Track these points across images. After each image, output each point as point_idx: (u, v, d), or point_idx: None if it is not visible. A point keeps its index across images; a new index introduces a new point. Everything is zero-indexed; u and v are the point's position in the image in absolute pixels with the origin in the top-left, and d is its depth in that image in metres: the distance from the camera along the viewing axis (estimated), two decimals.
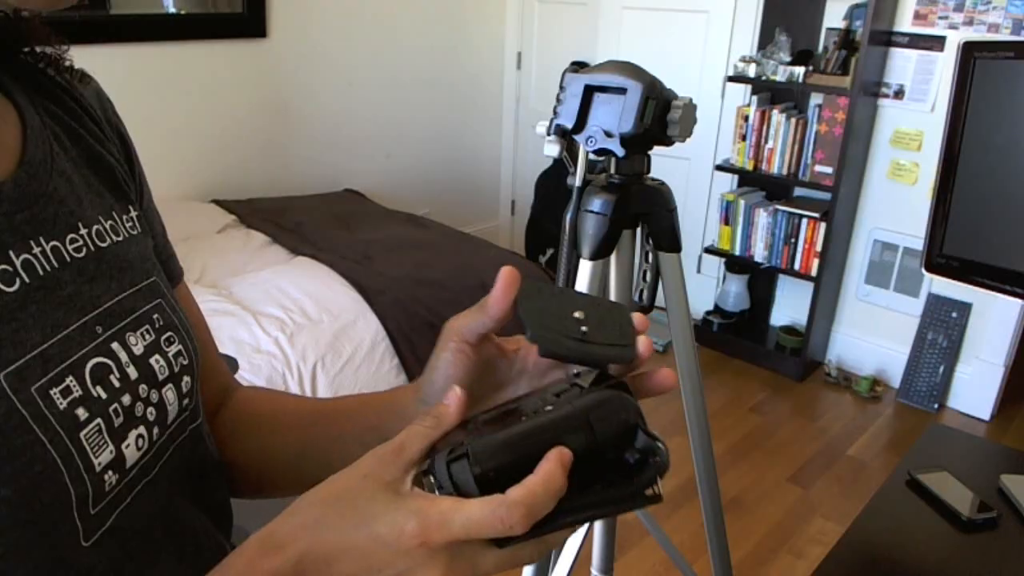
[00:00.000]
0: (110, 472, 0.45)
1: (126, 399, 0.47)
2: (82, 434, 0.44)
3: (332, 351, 2.07)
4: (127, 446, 0.47)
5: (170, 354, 0.52)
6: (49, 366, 0.43)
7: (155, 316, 0.52)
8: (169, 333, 0.53)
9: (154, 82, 2.82)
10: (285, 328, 2.07)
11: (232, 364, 1.57)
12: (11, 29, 0.50)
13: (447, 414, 0.44)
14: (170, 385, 0.52)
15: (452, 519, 0.38)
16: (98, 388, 0.46)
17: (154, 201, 0.62)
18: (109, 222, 0.52)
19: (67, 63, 0.54)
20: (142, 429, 0.48)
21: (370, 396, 0.61)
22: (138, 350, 0.49)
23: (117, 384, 0.47)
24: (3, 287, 0.42)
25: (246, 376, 1.88)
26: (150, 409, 0.49)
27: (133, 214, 0.55)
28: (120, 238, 0.52)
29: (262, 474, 0.64)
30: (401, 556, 0.39)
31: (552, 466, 0.39)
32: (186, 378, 0.53)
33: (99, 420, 0.45)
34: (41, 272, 0.45)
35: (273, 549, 0.41)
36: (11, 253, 0.43)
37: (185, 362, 0.54)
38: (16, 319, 0.43)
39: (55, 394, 0.43)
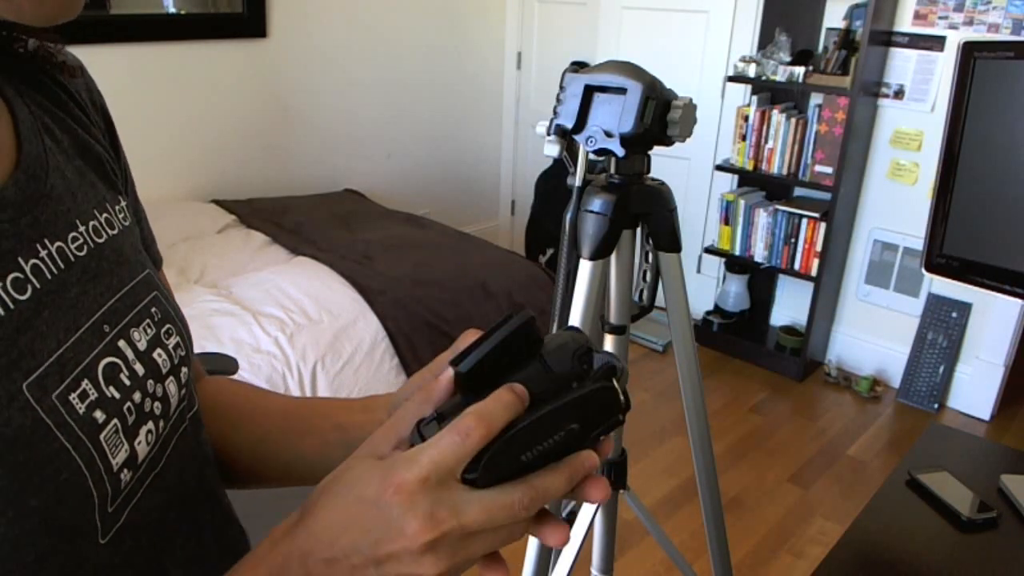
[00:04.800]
0: (126, 470, 0.46)
1: (136, 396, 0.47)
2: (101, 436, 0.44)
3: (332, 351, 2.07)
4: (139, 443, 0.47)
5: (170, 346, 0.52)
6: (66, 371, 0.43)
7: (153, 309, 0.52)
8: (168, 325, 0.53)
9: (154, 82, 2.82)
10: (285, 328, 2.07)
11: (232, 364, 1.57)
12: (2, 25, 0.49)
13: (437, 390, 0.45)
14: (172, 377, 0.52)
15: (418, 456, 0.40)
16: (111, 388, 0.45)
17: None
18: (104, 215, 0.51)
19: (58, 59, 0.53)
20: (150, 424, 0.49)
21: (343, 399, 0.63)
22: (142, 346, 0.49)
23: (127, 382, 0.47)
24: (16, 295, 0.41)
25: (246, 376, 1.87)
26: (156, 404, 0.50)
27: (123, 203, 0.55)
28: (115, 231, 0.51)
29: (219, 464, 0.65)
30: (383, 509, 0.39)
31: (501, 389, 0.41)
32: (184, 368, 0.54)
33: (115, 420, 0.45)
34: (49, 276, 0.44)
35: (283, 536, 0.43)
36: (20, 260, 0.42)
37: (183, 353, 0.54)
38: (32, 327, 0.42)
39: (74, 399, 0.43)
